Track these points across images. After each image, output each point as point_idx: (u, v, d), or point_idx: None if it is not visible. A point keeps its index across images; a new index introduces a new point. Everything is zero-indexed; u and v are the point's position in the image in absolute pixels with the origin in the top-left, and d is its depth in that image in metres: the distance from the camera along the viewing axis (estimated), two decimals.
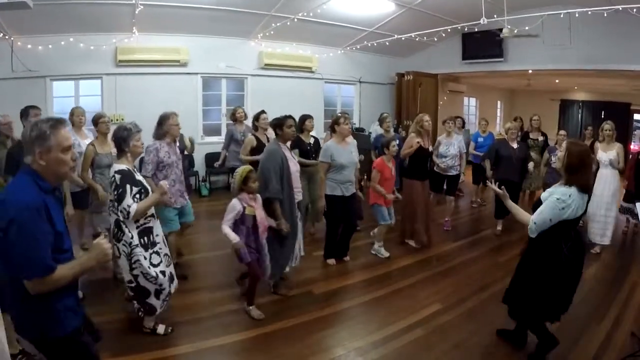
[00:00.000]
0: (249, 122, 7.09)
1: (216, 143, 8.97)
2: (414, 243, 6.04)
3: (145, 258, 3.36)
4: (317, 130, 8.62)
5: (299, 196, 4.61)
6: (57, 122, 2.01)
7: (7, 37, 7.22)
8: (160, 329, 3.70)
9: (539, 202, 3.14)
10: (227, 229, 3.86)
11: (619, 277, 5.09)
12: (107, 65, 8.28)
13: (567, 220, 2.99)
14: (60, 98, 8.16)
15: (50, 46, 7.67)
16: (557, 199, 2.98)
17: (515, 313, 3.48)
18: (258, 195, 4.07)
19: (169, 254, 3.68)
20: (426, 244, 6.00)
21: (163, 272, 3.45)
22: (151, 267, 3.37)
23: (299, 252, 4.75)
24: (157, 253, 3.45)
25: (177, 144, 4.88)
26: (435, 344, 3.67)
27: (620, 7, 6.34)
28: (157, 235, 3.50)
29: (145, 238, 3.40)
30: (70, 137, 2.07)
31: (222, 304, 4.28)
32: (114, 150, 4.59)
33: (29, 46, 7.51)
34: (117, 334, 3.61)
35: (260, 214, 4.02)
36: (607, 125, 6.03)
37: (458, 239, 6.58)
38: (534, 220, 3.05)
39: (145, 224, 3.42)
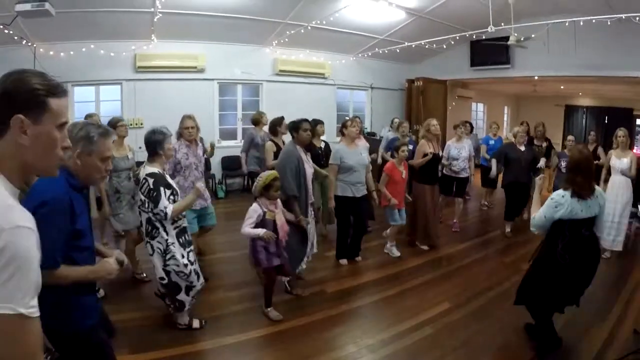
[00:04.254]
0: (266, 127, 7.09)
1: (232, 147, 9.24)
2: (423, 245, 6.12)
3: (183, 256, 3.48)
4: (330, 135, 8.74)
5: (312, 197, 4.74)
6: (106, 132, 2.11)
7: (30, 44, 7.40)
8: (195, 323, 3.81)
9: None
10: (248, 229, 3.84)
11: (622, 277, 5.15)
12: (127, 71, 8.46)
13: (563, 220, 3.18)
14: (82, 103, 8.35)
15: (71, 52, 7.85)
16: (552, 198, 3.22)
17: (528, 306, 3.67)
18: (278, 200, 4.07)
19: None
20: (434, 245, 6.08)
21: (196, 271, 3.59)
22: (189, 264, 3.50)
23: (310, 251, 4.83)
24: (192, 252, 3.61)
25: (200, 145, 4.89)
26: (443, 342, 3.73)
27: (623, 15, 6.46)
28: (189, 234, 3.65)
29: (183, 238, 3.53)
30: (112, 149, 2.16)
31: (238, 303, 4.36)
32: (130, 154, 4.74)
33: (51, 52, 7.70)
34: (136, 332, 3.69)
35: (281, 218, 4.01)
36: (621, 132, 5.96)
37: (466, 240, 6.64)
38: (533, 216, 3.41)
39: (181, 224, 3.54)
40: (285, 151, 4.66)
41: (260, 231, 3.80)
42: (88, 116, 5.59)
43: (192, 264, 3.54)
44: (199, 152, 4.81)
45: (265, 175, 3.95)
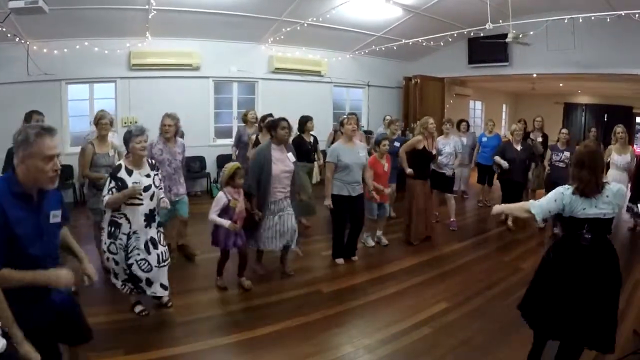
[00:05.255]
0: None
1: (227, 145, 9.10)
2: (415, 240, 6.12)
3: (105, 243, 3.73)
4: (326, 133, 8.69)
5: (280, 195, 4.73)
6: (43, 130, 2.04)
7: (22, 41, 7.35)
8: (137, 308, 3.99)
9: None
10: (215, 217, 4.28)
11: (621, 276, 5.11)
12: (121, 69, 8.43)
13: (564, 217, 2.88)
14: (75, 101, 8.32)
15: (65, 50, 7.82)
16: (561, 186, 2.90)
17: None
18: (241, 190, 4.47)
19: (147, 259, 3.74)
20: (423, 238, 6.10)
21: (116, 262, 3.72)
22: (107, 252, 3.72)
23: (294, 240, 4.90)
24: (115, 245, 3.67)
25: (177, 142, 5.21)
26: (442, 342, 3.70)
27: (622, 12, 6.45)
28: (124, 233, 3.66)
29: (112, 228, 3.69)
30: (55, 147, 2.07)
31: (230, 303, 4.35)
32: (111, 152, 4.81)
33: (45, 50, 7.66)
34: (130, 332, 3.69)
35: (241, 206, 4.41)
36: (620, 129, 6.05)
37: (464, 238, 6.62)
38: (539, 200, 2.96)
39: (113, 217, 3.68)
40: (256, 151, 4.96)
41: (226, 222, 4.25)
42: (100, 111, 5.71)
43: (112, 253, 3.70)
44: (175, 150, 5.17)
45: (229, 167, 4.37)
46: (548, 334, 3.02)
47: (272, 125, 4.76)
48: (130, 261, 3.68)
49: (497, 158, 6.84)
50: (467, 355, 3.54)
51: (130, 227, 3.68)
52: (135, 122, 8.04)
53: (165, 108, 5.34)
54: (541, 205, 2.90)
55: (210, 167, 9.41)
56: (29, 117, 4.84)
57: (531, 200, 3.01)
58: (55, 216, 2.21)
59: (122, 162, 3.71)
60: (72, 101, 8.29)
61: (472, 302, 4.50)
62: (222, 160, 9.12)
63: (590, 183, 2.77)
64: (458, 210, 7.43)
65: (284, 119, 4.76)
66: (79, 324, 2.49)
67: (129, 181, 3.61)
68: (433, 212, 7.02)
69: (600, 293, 2.81)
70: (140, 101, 8.50)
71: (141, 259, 3.71)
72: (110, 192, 3.57)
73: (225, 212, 4.30)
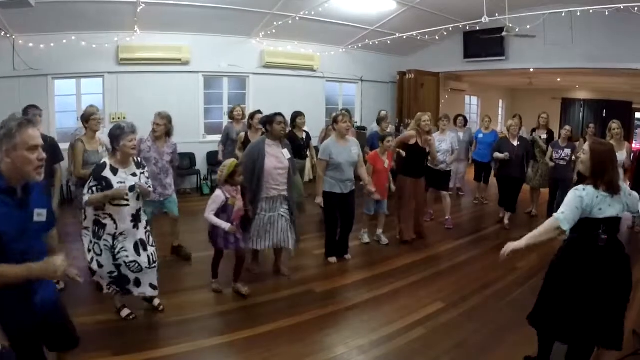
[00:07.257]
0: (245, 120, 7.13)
1: (217, 142, 9.01)
2: (408, 238, 6.07)
3: (90, 242, 3.59)
4: (319, 130, 8.66)
5: (273, 192, 4.63)
6: (24, 121, 2.06)
7: (8, 35, 7.25)
8: (124, 313, 3.87)
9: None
10: (212, 217, 4.16)
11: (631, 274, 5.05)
12: (109, 64, 8.32)
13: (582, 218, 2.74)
14: (62, 96, 8.23)
15: (52, 44, 7.71)
16: (575, 189, 2.78)
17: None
18: (239, 188, 4.39)
19: (137, 260, 3.65)
20: (411, 240, 6.06)
21: (100, 264, 3.58)
22: (90, 252, 3.58)
23: (287, 241, 4.75)
24: (99, 245, 3.56)
25: (167, 143, 5.13)
26: (436, 343, 3.67)
27: (621, 5, 6.38)
28: (109, 234, 3.55)
29: (97, 228, 3.57)
30: (38, 137, 2.08)
31: (222, 302, 4.30)
32: (101, 149, 4.75)
33: (31, 44, 7.55)
34: (118, 333, 3.64)
35: (239, 204, 4.33)
36: (615, 125, 5.97)
37: (460, 237, 6.57)
38: (561, 210, 2.74)
39: (97, 216, 3.55)
40: (250, 145, 4.89)
41: (225, 225, 4.14)
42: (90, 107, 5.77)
43: (97, 254, 3.58)
44: (163, 150, 5.08)
45: (229, 164, 4.24)
46: (561, 337, 2.95)
47: (267, 121, 4.66)
48: (118, 262, 3.59)
49: (496, 154, 6.77)
50: (463, 356, 3.50)
51: (116, 228, 3.56)
52: (124, 118, 8.02)
53: (154, 103, 5.33)
54: (567, 217, 2.71)
55: (201, 164, 9.35)
56: (25, 112, 4.78)
57: (555, 215, 2.78)
58: (39, 215, 2.18)
59: (106, 160, 3.57)
60: (58, 96, 8.19)
61: (467, 302, 4.46)
62: (212, 157, 9.10)
63: (617, 182, 2.72)
64: (454, 208, 7.39)
65: (279, 114, 4.68)
66: (65, 327, 2.46)
67: (114, 181, 3.48)
68: (426, 210, 6.99)
69: (614, 292, 2.76)
70: (128, 96, 8.41)
71: (131, 261, 3.62)
72: (90, 191, 3.43)
73: (223, 210, 4.20)
